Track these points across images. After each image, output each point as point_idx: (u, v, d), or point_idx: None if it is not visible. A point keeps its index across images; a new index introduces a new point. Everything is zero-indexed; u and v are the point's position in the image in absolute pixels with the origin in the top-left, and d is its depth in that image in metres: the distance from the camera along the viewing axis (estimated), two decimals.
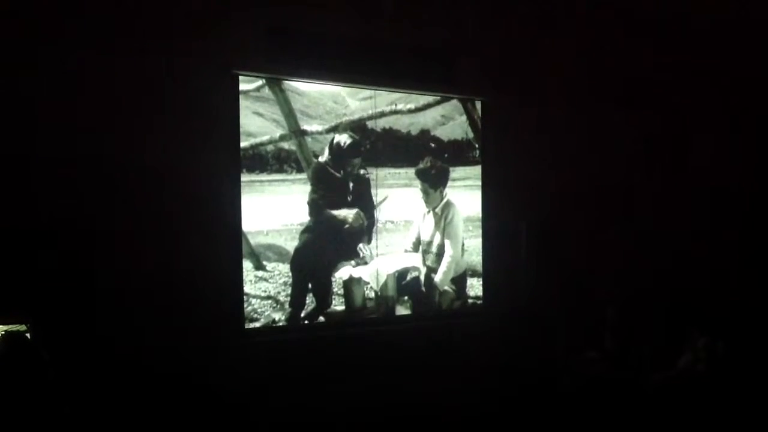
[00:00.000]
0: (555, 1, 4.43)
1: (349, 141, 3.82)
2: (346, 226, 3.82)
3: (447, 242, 4.11)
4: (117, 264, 3.24)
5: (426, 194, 4.06)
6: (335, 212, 3.80)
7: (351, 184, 3.85)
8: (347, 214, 3.82)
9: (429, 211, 4.08)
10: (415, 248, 4.06)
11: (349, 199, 3.85)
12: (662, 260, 4.71)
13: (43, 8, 3.11)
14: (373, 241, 3.92)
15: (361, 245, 3.89)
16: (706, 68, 4.94)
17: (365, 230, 3.89)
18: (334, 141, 3.79)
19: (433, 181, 4.08)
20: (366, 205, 3.90)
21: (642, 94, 4.84)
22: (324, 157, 3.78)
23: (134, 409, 3.18)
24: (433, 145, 4.13)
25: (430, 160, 4.07)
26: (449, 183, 4.17)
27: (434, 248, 4.09)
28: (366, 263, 3.89)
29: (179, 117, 3.38)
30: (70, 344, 2.99)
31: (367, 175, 3.89)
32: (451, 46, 4.18)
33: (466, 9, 4.17)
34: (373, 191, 3.93)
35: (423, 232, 4.07)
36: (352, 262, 3.86)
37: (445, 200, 4.12)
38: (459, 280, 4.20)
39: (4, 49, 3.03)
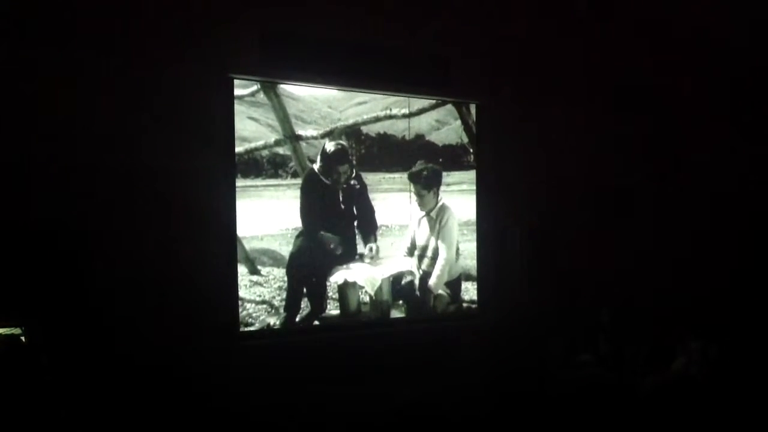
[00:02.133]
0: (550, 4, 4.45)
1: (334, 148, 3.82)
2: (331, 246, 3.84)
3: (441, 246, 4.12)
4: (112, 268, 3.24)
5: (420, 197, 4.07)
6: (326, 235, 3.83)
7: (341, 194, 3.86)
8: (331, 239, 3.84)
9: (424, 215, 4.09)
10: (410, 253, 4.07)
11: (342, 207, 3.87)
12: (657, 264, 4.72)
13: (41, 10, 3.12)
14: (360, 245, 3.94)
15: (371, 245, 3.92)
16: (704, 70, 4.96)
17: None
18: (324, 147, 3.81)
19: (426, 183, 4.09)
20: (362, 212, 3.92)
21: (638, 96, 4.85)
22: (317, 164, 3.80)
23: (131, 413, 3.18)
24: (427, 149, 4.15)
25: (422, 163, 4.09)
26: (444, 187, 4.19)
27: (429, 252, 4.11)
28: (371, 262, 3.92)
29: (174, 121, 3.39)
30: (65, 348, 2.99)
31: (357, 186, 3.90)
32: (446, 51, 4.20)
33: (460, 13, 4.19)
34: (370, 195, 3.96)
35: (418, 237, 4.08)
36: (354, 264, 3.89)
37: (440, 204, 4.13)
38: (453, 284, 4.21)
39: (2, 50, 3.05)
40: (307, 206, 3.75)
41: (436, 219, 4.11)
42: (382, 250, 3.98)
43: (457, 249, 4.21)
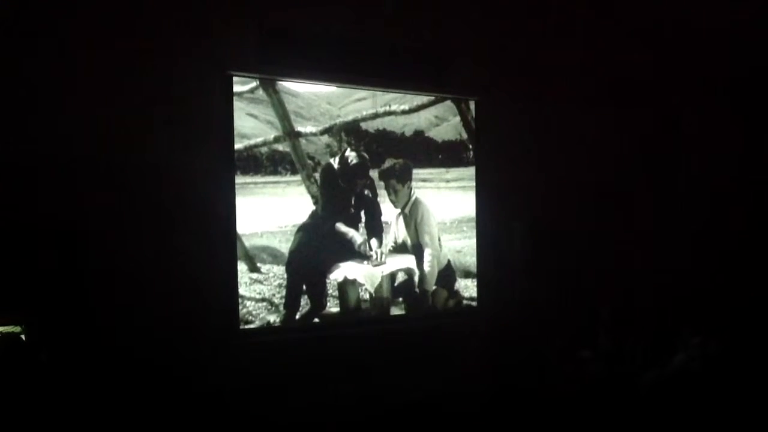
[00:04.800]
0: (549, 1, 4.45)
1: (356, 160, 3.85)
2: (357, 244, 3.88)
3: (424, 241, 4.11)
4: (111, 265, 3.24)
5: (395, 192, 4.03)
6: (349, 230, 3.85)
7: (353, 198, 3.87)
8: (355, 234, 3.87)
9: (399, 213, 4.06)
10: (396, 250, 4.06)
11: (352, 211, 3.88)
12: (657, 259, 4.73)
13: (41, 7, 3.12)
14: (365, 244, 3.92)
15: (377, 250, 3.92)
16: (702, 67, 4.96)
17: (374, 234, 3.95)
18: (345, 154, 3.84)
19: (399, 177, 4.04)
20: (370, 216, 3.93)
21: (637, 93, 4.86)
22: (336, 163, 3.81)
23: (131, 411, 3.18)
24: (426, 146, 4.15)
25: (391, 160, 4.03)
26: (444, 183, 4.18)
27: (410, 249, 4.09)
28: (377, 264, 3.93)
29: (173, 118, 3.39)
30: (65, 345, 2.99)
31: (370, 195, 3.91)
32: (445, 47, 4.20)
33: (459, 9, 4.18)
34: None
35: (399, 236, 4.07)
36: (363, 261, 3.91)
37: (413, 199, 4.09)
38: (446, 275, 4.20)
39: (1, 48, 3.04)
40: (328, 200, 3.79)
41: (411, 216, 4.08)
42: (383, 247, 3.98)
43: (439, 239, 4.18)
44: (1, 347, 2.58)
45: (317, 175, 3.77)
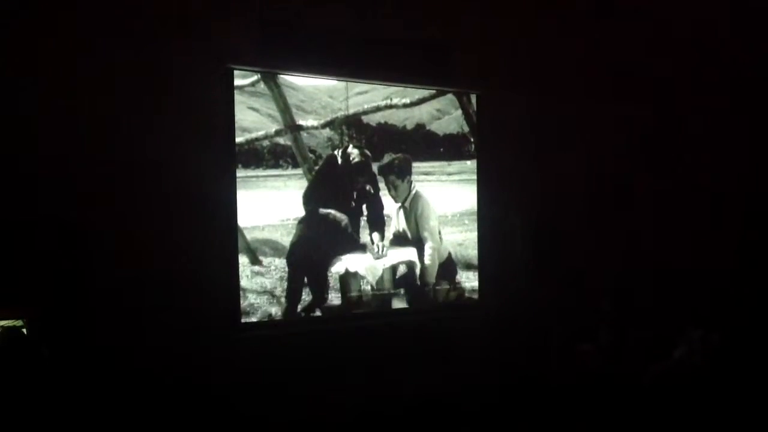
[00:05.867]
0: None
1: (358, 158, 3.86)
2: (343, 224, 3.86)
3: (424, 234, 4.11)
4: (113, 260, 3.25)
5: (395, 188, 4.03)
6: (330, 211, 3.83)
7: (354, 193, 3.88)
8: (339, 216, 3.85)
9: (399, 207, 4.06)
10: (397, 243, 4.06)
11: (353, 205, 3.88)
12: (657, 253, 4.71)
13: (41, 7, 3.12)
14: (365, 237, 3.93)
15: (378, 244, 3.93)
16: (704, 64, 4.92)
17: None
18: (347, 150, 3.84)
19: (399, 172, 4.04)
20: (372, 211, 3.94)
21: (639, 87, 4.83)
22: (339, 158, 3.81)
23: (132, 404, 3.20)
24: (428, 139, 4.14)
25: (390, 155, 4.03)
26: (445, 177, 4.18)
27: (411, 242, 4.09)
28: (379, 257, 3.94)
29: (173, 112, 3.39)
30: (67, 340, 3.01)
31: (371, 191, 3.92)
32: (446, 40, 4.18)
33: (460, 3, 4.16)
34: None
35: (399, 228, 4.07)
36: (356, 254, 3.90)
37: (413, 193, 4.08)
38: (447, 267, 4.20)
39: (2, 48, 3.05)
40: (319, 188, 3.76)
41: (411, 210, 4.08)
42: (384, 240, 3.98)
43: (439, 232, 4.18)
44: (3, 341, 2.60)
45: (318, 168, 3.78)
